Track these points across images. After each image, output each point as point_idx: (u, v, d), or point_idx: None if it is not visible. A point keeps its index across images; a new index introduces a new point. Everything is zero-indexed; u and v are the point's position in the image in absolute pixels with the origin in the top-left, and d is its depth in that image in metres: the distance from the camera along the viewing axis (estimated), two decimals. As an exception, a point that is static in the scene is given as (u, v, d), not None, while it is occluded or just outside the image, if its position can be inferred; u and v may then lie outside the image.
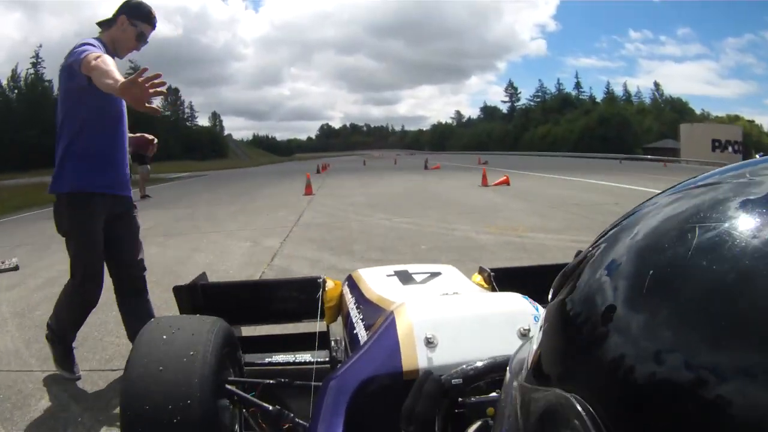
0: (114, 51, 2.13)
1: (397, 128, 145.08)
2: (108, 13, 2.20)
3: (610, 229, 0.42)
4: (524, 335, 0.84)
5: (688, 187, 0.40)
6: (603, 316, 0.34)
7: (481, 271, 1.56)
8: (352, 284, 1.45)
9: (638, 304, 0.32)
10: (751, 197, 0.33)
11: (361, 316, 1.21)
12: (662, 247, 0.34)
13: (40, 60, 52.42)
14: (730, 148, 36.70)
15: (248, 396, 1.05)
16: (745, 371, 0.26)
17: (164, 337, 0.99)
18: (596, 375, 0.33)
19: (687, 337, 0.29)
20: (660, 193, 0.43)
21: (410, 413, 0.68)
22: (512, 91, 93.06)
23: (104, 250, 2.14)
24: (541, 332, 0.44)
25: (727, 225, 0.32)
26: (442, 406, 0.70)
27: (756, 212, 0.32)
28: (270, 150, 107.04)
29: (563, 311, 0.40)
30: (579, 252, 1.72)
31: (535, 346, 0.44)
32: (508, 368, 0.52)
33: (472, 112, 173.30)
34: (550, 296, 0.46)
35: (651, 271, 0.32)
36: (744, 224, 0.31)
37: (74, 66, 1.90)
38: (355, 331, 1.17)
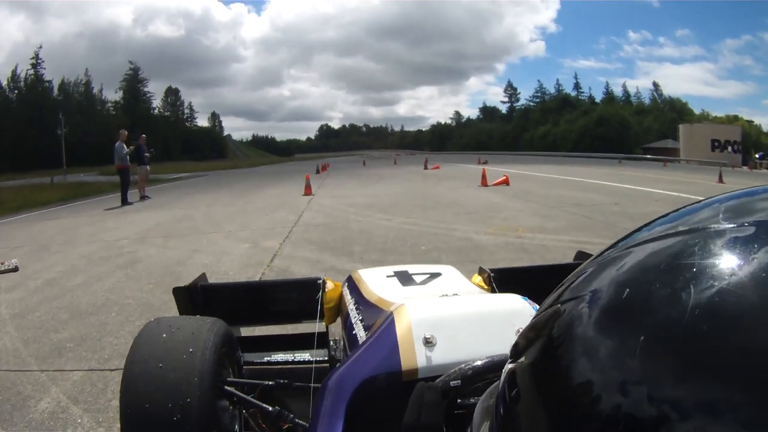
0: None
1: (397, 128, 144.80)
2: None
3: (579, 286, 0.39)
4: None
5: (657, 236, 0.37)
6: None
7: (481, 271, 1.56)
8: (352, 285, 1.45)
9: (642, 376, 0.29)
10: (730, 241, 0.32)
11: (361, 317, 1.21)
12: (651, 310, 0.31)
13: (40, 61, 52.35)
14: (729, 148, 36.78)
15: (248, 397, 1.05)
16: None
17: (164, 335, 0.99)
18: None
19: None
20: (634, 236, 0.40)
21: (415, 426, 0.67)
22: (511, 91, 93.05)
23: None
24: (503, 398, 0.41)
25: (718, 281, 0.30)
26: (443, 409, 0.70)
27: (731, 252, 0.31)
28: (270, 150, 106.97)
29: (547, 379, 0.36)
30: (579, 252, 1.70)
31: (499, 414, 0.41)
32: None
33: (471, 112, 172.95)
34: (512, 355, 0.42)
35: (641, 338, 0.29)
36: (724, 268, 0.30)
37: None
38: (354, 332, 1.17)
